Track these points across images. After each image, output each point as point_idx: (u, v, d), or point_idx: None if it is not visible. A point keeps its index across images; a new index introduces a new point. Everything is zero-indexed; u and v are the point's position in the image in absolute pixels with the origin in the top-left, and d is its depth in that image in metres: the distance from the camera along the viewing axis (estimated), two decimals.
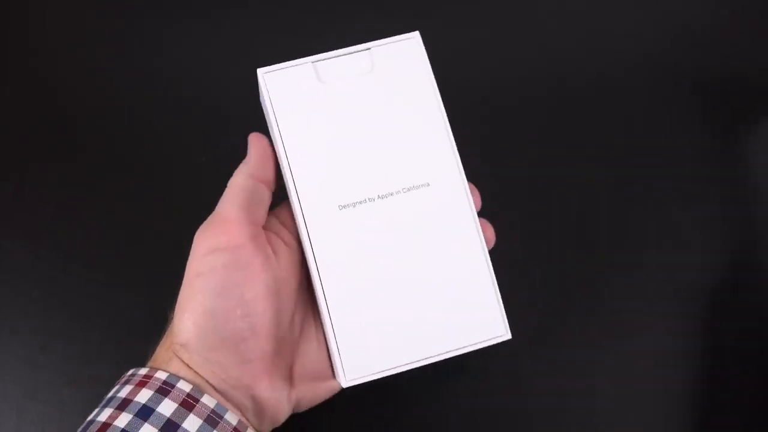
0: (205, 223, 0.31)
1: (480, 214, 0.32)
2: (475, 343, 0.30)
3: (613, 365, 0.39)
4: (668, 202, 0.43)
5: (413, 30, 0.33)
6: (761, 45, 0.46)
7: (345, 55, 0.32)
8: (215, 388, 0.30)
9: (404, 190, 0.31)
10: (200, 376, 0.30)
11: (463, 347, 0.30)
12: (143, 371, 0.30)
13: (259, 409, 0.31)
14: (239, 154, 0.32)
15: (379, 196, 0.31)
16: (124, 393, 0.29)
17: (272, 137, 0.32)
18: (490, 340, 0.30)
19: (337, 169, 0.31)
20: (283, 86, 0.31)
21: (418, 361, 0.30)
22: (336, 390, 0.34)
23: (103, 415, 0.28)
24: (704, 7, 0.47)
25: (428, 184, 0.31)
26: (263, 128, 0.33)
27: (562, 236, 0.42)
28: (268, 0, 0.46)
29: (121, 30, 0.45)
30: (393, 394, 0.38)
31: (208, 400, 0.29)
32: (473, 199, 0.32)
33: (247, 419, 0.30)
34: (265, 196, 0.32)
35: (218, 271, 0.29)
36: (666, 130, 0.44)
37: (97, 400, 0.30)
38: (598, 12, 0.47)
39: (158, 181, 0.42)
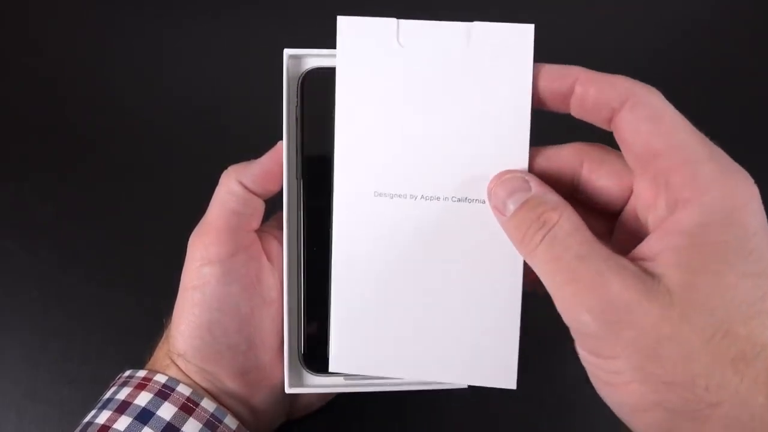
0: (197, 229, 0.31)
1: None
2: (476, 382, 0.28)
3: None
4: None
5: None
6: (762, 42, 0.46)
7: (439, 23, 0.27)
8: (213, 397, 0.30)
9: (454, 200, 0.27)
10: (198, 384, 0.30)
11: (462, 382, 0.28)
12: (141, 373, 0.30)
13: (255, 417, 0.31)
14: (239, 154, 0.32)
15: (423, 196, 0.27)
16: (122, 395, 0.29)
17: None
18: (492, 384, 0.27)
19: (387, 149, 0.27)
20: (357, 36, 0.27)
21: (408, 378, 0.28)
22: (329, 398, 0.34)
23: (102, 418, 0.28)
24: (706, 3, 0.47)
25: (484, 202, 0.27)
26: (263, 129, 0.33)
27: None
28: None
29: (122, 30, 0.45)
30: (390, 402, 0.38)
31: (208, 404, 0.29)
32: None
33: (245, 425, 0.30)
34: (258, 205, 0.31)
35: (212, 285, 0.29)
36: None
37: (97, 400, 0.30)
38: (599, 11, 0.47)
39: (158, 181, 0.42)
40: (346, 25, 0.27)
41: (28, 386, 0.39)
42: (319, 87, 0.30)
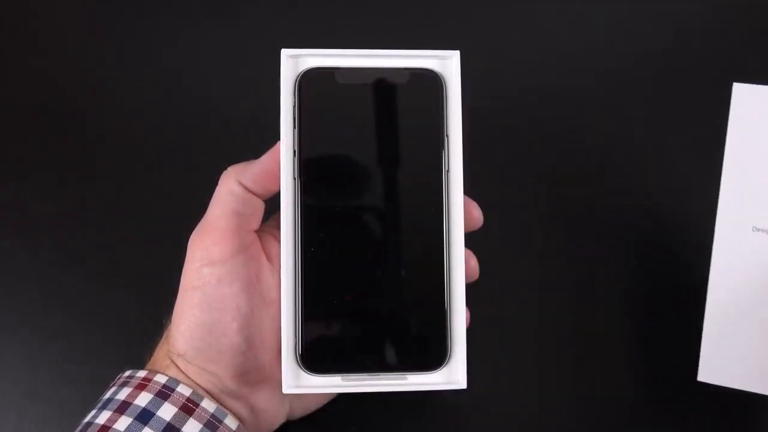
0: (197, 229, 0.31)
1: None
2: None
3: None
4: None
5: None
6: (760, 43, 0.46)
7: None
8: (213, 397, 0.30)
9: None
10: (198, 384, 0.30)
11: None
12: (141, 373, 0.30)
13: (255, 417, 0.31)
14: (239, 154, 0.32)
15: None
16: (122, 395, 0.29)
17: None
18: None
19: None
20: (751, 100, 0.36)
21: None
22: (329, 398, 0.34)
23: (102, 418, 0.28)
24: (704, 4, 0.47)
25: None
26: (263, 129, 0.33)
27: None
28: None
29: (122, 30, 0.45)
30: (390, 403, 0.38)
31: (208, 405, 0.29)
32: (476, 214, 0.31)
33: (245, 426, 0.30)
34: (258, 205, 0.31)
35: (213, 285, 0.29)
36: (667, 128, 0.44)
37: (97, 400, 0.30)
38: (597, 12, 0.46)
39: (158, 182, 0.42)
40: (740, 91, 0.36)
41: (28, 386, 0.39)
42: (317, 87, 0.30)
